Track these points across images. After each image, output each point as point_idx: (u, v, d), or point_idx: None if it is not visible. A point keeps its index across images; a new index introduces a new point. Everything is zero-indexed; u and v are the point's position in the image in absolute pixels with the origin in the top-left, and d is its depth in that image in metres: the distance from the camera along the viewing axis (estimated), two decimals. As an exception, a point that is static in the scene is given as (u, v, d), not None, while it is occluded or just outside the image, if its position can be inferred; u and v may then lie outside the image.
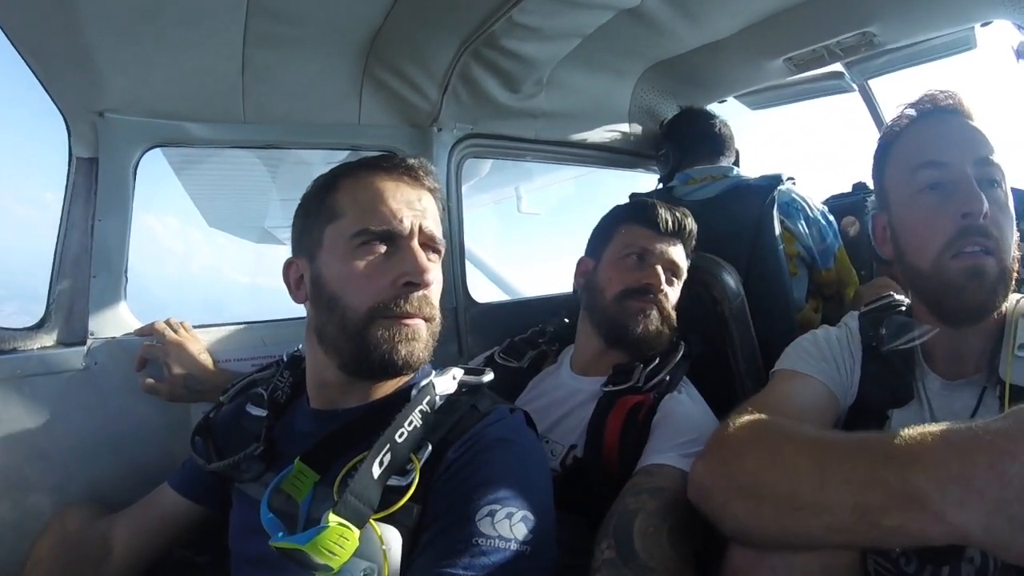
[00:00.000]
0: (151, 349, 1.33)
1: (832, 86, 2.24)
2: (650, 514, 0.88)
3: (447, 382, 0.92)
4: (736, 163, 1.96)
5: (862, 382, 1.03)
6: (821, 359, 1.05)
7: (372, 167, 0.95)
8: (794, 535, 0.70)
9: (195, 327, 1.41)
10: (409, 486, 0.79)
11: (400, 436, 0.81)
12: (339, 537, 0.72)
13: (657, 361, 1.25)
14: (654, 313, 1.29)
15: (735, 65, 2.04)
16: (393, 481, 0.80)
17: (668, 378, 1.23)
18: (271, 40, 1.38)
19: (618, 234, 1.38)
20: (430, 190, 0.98)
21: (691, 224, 1.38)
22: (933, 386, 0.99)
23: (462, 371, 0.96)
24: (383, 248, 0.90)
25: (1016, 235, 0.93)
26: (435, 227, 0.95)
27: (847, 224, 2.05)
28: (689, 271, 1.43)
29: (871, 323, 1.07)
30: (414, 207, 0.93)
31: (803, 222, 1.78)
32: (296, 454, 0.89)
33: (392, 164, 0.96)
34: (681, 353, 1.29)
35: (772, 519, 0.71)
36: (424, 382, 0.90)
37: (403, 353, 0.87)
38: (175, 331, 1.36)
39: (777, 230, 1.62)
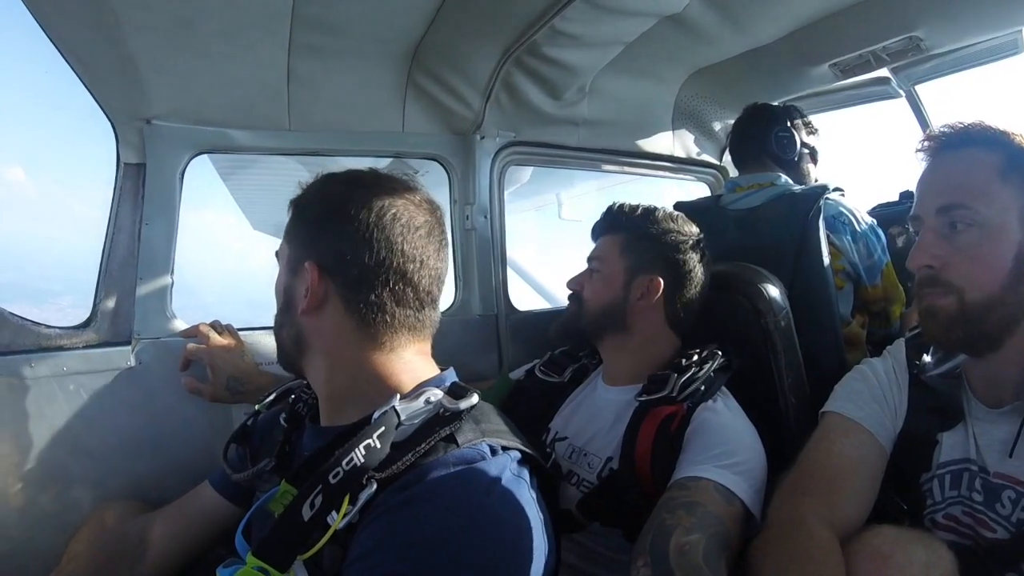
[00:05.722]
0: (195, 351, 1.35)
1: (878, 92, 2.17)
2: (686, 531, 0.88)
3: (416, 407, 0.79)
4: (800, 164, 1.87)
5: (910, 408, 1.06)
6: (872, 399, 1.08)
7: None
8: None
9: (239, 330, 1.44)
10: (330, 527, 0.70)
11: (335, 476, 0.72)
12: None
13: (692, 371, 1.22)
14: (570, 309, 1.39)
15: (779, 71, 2.00)
16: (332, 518, 0.71)
17: (703, 388, 1.19)
18: (315, 50, 1.40)
19: None
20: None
21: (624, 210, 1.37)
22: (977, 412, 1.00)
23: (441, 392, 0.82)
24: None
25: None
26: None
27: (894, 234, 1.98)
28: (731, 281, 1.40)
29: (915, 349, 1.10)
30: None
31: (849, 237, 1.70)
32: None
33: None
34: (717, 362, 1.25)
35: None
36: (385, 408, 0.79)
37: None
38: (219, 333, 1.39)
39: (823, 242, 1.56)
